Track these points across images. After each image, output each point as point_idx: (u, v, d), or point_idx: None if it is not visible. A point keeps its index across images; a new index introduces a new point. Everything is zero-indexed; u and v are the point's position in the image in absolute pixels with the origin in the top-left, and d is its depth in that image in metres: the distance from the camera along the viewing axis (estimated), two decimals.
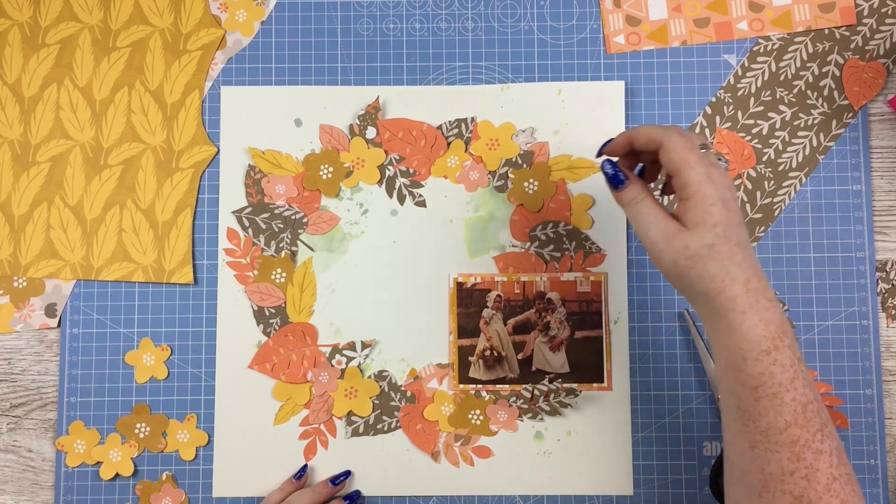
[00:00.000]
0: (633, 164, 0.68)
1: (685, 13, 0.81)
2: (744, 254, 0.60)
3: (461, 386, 0.79)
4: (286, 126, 0.81)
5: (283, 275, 0.80)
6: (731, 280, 0.60)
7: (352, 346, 0.80)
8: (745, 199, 0.80)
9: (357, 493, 0.79)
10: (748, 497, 0.60)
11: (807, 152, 0.80)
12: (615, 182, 0.67)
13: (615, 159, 0.68)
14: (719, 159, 0.65)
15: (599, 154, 0.69)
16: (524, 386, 0.79)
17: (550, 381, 0.78)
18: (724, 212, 0.60)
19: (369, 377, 0.80)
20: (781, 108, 0.81)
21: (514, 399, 0.79)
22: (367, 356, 0.80)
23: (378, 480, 0.79)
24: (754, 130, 0.81)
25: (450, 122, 0.81)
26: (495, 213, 0.80)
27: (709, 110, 0.81)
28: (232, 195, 0.81)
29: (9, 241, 0.81)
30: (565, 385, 0.79)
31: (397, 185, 0.81)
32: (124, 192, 0.81)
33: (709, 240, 0.60)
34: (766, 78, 0.81)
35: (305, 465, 0.78)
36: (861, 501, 0.59)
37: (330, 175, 0.81)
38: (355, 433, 0.79)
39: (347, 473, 0.79)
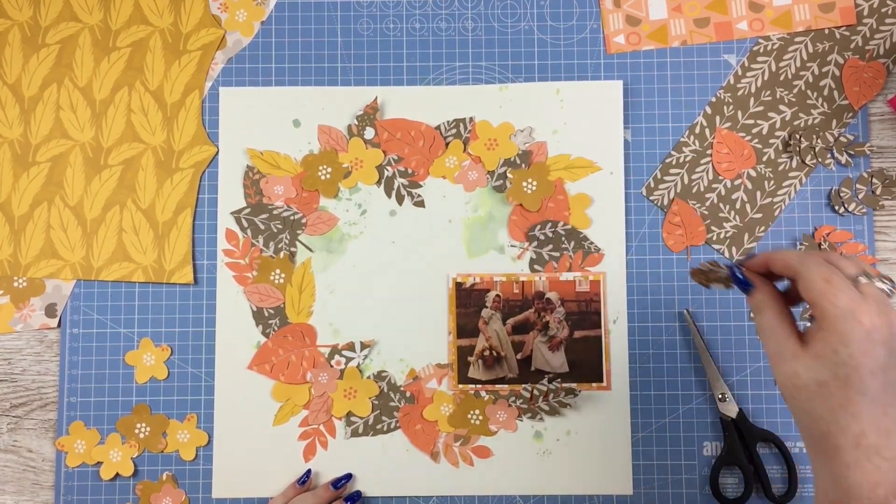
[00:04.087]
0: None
1: (685, 13, 0.81)
2: (865, 405, 0.53)
3: (460, 386, 0.79)
4: (284, 127, 0.81)
5: (282, 275, 0.80)
6: (839, 429, 0.54)
7: (351, 347, 0.80)
8: (746, 198, 0.80)
9: (358, 493, 0.79)
10: None
11: None
12: (740, 287, 0.62)
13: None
14: (882, 282, 0.57)
15: (737, 265, 0.63)
16: (524, 386, 0.79)
17: (550, 381, 0.78)
18: (858, 356, 0.53)
19: (368, 377, 0.80)
20: (781, 108, 0.81)
21: (513, 399, 0.79)
22: (366, 356, 0.80)
23: (378, 481, 0.79)
24: (754, 130, 0.81)
25: (448, 122, 0.81)
26: (494, 213, 0.80)
27: (709, 110, 0.81)
28: (231, 196, 0.81)
29: (9, 241, 0.81)
30: (564, 385, 0.78)
31: (396, 186, 0.81)
32: (124, 192, 0.81)
33: (822, 376, 0.54)
34: (766, 78, 0.81)
35: (309, 471, 0.78)
36: None
37: (328, 176, 0.81)
38: (355, 433, 0.79)
39: (349, 476, 0.78)
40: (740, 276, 0.62)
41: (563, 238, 0.79)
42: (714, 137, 0.80)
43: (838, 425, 0.54)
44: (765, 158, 0.80)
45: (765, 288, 0.60)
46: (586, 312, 0.79)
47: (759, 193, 0.80)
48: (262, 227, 0.81)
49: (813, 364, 0.54)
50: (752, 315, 0.61)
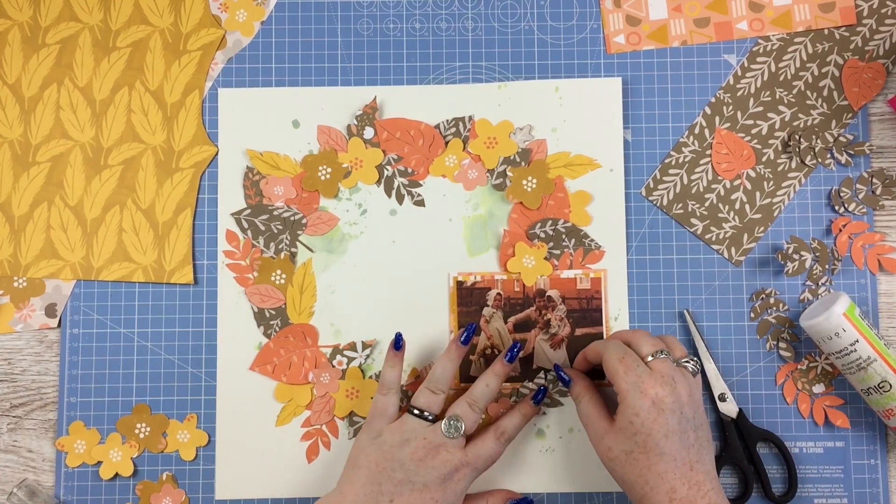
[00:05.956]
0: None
1: (685, 13, 0.82)
2: (668, 465, 0.63)
3: (462, 384, 0.79)
4: (284, 127, 0.81)
5: (283, 276, 0.80)
6: (651, 489, 0.64)
7: (352, 347, 0.80)
8: (745, 199, 0.80)
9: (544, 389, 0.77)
10: None
11: None
12: (562, 383, 0.74)
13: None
14: (686, 363, 0.69)
15: (559, 366, 0.76)
16: (522, 384, 0.79)
17: (545, 375, 0.79)
18: (649, 423, 0.64)
19: (371, 377, 0.80)
20: (781, 108, 0.81)
21: (514, 398, 0.79)
22: (367, 356, 0.80)
23: None
24: (754, 131, 0.81)
25: (447, 120, 0.81)
26: (494, 212, 0.80)
27: (708, 110, 0.81)
28: (231, 197, 0.81)
29: (9, 241, 0.81)
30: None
31: (396, 185, 0.81)
32: (124, 192, 0.81)
33: (627, 446, 0.65)
34: (765, 78, 0.81)
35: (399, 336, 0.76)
36: None
37: (328, 176, 0.81)
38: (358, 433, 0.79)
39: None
40: (561, 374, 0.74)
41: (564, 236, 0.80)
42: (713, 138, 0.81)
43: (650, 486, 0.64)
44: (764, 159, 0.80)
45: (580, 381, 0.72)
46: (587, 310, 0.79)
47: (758, 194, 0.80)
48: (263, 227, 0.81)
49: (618, 436, 0.66)
50: (576, 405, 0.72)
